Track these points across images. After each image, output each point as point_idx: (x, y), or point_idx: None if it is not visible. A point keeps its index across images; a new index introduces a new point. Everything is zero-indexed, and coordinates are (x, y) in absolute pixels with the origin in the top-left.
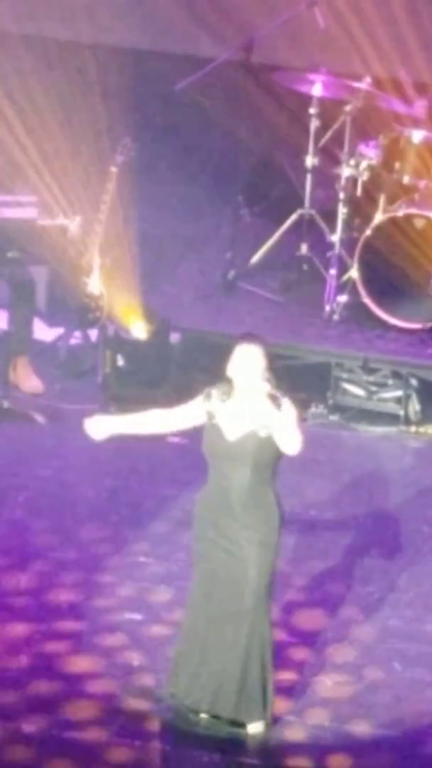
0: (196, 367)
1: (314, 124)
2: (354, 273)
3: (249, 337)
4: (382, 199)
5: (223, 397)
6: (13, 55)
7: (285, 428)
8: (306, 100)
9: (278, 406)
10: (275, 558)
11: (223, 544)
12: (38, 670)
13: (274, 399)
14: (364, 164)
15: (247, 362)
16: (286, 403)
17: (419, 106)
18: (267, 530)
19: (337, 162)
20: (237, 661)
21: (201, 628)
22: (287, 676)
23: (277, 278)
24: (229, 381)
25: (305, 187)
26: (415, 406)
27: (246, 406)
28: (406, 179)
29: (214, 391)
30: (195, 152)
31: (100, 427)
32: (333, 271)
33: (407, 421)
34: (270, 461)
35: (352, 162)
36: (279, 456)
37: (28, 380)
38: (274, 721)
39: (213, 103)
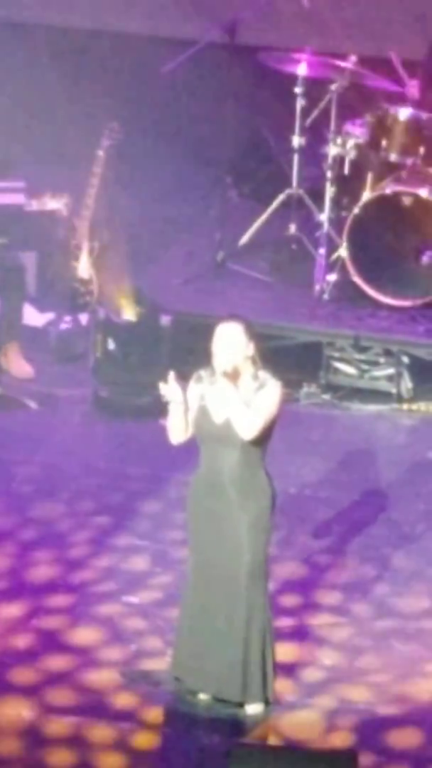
0: (187, 350)
1: (300, 103)
2: (343, 252)
3: (228, 316)
4: (369, 178)
5: (212, 378)
6: None
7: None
8: (291, 79)
9: (261, 386)
10: (268, 538)
11: (216, 525)
12: (40, 649)
13: (256, 379)
14: (351, 143)
15: (226, 342)
16: (271, 383)
17: (411, 86)
18: (259, 511)
19: (324, 141)
20: (238, 644)
21: (199, 611)
22: (284, 655)
23: (267, 259)
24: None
25: (293, 167)
26: (407, 383)
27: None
28: (393, 157)
29: (203, 373)
30: (182, 135)
31: (175, 391)
32: (322, 251)
33: (400, 399)
34: (258, 442)
35: (339, 141)
36: (268, 436)
37: (18, 366)
38: (274, 702)
39: (199, 85)
